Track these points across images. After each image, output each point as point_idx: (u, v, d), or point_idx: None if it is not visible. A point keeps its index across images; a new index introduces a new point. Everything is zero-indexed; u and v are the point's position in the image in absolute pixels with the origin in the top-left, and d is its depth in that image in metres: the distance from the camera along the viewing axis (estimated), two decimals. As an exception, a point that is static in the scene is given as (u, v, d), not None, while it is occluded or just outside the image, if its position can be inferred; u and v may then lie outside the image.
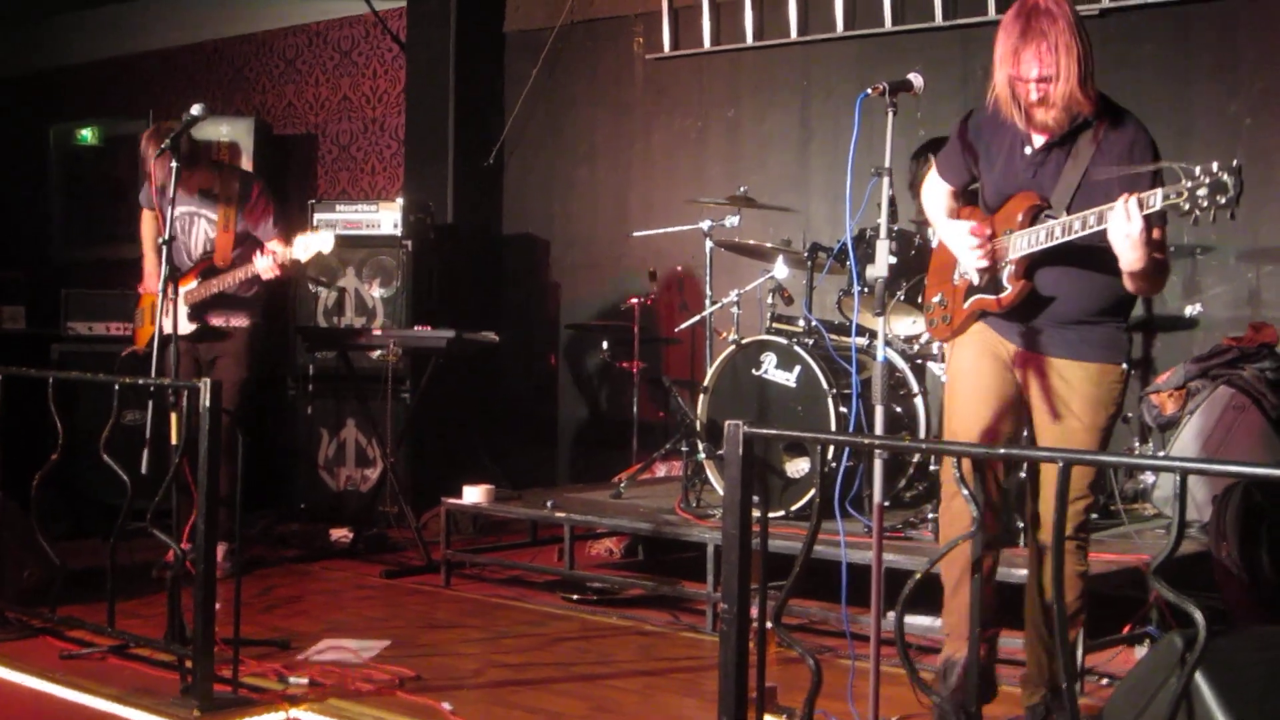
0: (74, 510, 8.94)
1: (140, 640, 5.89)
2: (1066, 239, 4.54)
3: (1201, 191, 4.12)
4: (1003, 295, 4.78)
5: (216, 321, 7.73)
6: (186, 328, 7.53)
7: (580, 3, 10.15)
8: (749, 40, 9.33)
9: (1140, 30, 7.83)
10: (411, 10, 10.86)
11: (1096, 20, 7.89)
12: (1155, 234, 4.50)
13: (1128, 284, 4.64)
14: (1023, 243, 4.69)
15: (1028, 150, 4.85)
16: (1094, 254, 4.54)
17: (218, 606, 5.36)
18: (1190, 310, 7.65)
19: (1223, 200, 4.10)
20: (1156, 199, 4.26)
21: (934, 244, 4.91)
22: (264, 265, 7.51)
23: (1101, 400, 4.79)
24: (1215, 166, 4.12)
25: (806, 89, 9.20)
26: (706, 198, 8.29)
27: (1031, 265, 4.73)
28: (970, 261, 4.82)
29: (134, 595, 6.88)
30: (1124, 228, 4.36)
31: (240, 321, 7.80)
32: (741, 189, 7.85)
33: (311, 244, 7.47)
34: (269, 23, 12.09)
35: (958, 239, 4.87)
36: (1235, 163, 4.13)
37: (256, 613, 6.84)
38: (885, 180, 4.56)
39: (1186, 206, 4.16)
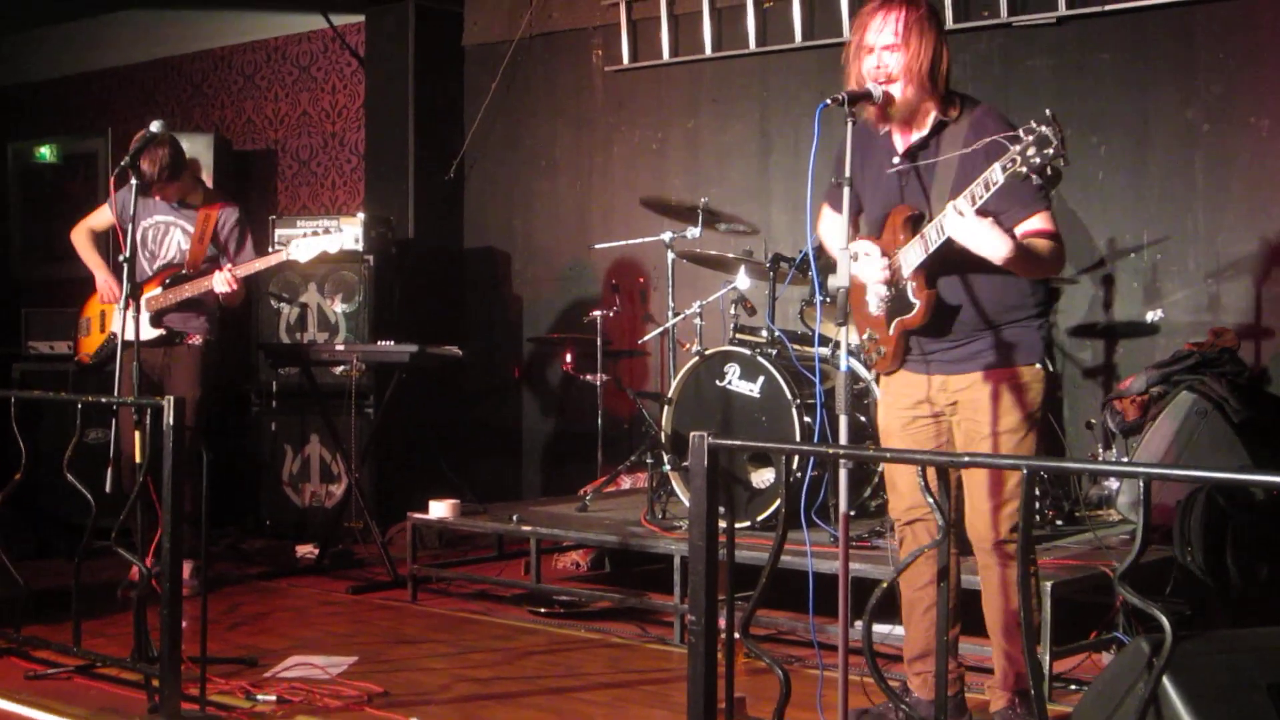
0: (38, 530, 8.90)
1: (106, 659, 5.87)
2: (939, 243, 4.58)
3: (1030, 151, 4.22)
4: (914, 312, 4.81)
5: (176, 325, 7.69)
6: (150, 333, 7.48)
7: (539, 16, 10.16)
8: (708, 51, 9.34)
9: (1097, 38, 7.87)
10: (370, 25, 10.85)
11: (1054, 29, 7.94)
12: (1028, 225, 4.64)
13: (1017, 273, 4.69)
14: (912, 256, 4.73)
15: (895, 159, 4.89)
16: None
17: (184, 624, 5.35)
18: (1151, 316, 7.69)
19: (1051, 151, 4.20)
20: (997, 173, 4.32)
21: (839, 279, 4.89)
22: (220, 280, 7.48)
23: (1016, 403, 4.80)
24: (1034, 123, 4.23)
25: (766, 99, 9.21)
26: (667, 210, 8.29)
27: (930, 275, 4.76)
28: (874, 275, 4.84)
29: (99, 614, 6.85)
30: (960, 226, 4.43)
31: (196, 335, 7.75)
32: (703, 200, 7.85)
33: (313, 245, 7.51)
34: (227, 39, 12.06)
35: (862, 253, 4.87)
36: (1048, 112, 4.22)
37: (223, 630, 6.82)
38: (846, 190, 4.57)
39: (1024, 170, 4.25)
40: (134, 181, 6.51)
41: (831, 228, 5.27)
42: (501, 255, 10.54)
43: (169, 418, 5.29)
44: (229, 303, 7.71)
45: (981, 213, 4.43)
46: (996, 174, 4.33)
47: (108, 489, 6.51)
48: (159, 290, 7.60)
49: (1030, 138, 4.22)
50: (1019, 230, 4.62)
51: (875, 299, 4.90)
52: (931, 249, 4.62)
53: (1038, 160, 4.20)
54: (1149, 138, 7.76)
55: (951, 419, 4.92)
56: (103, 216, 8.00)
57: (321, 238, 7.56)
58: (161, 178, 7.48)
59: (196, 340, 7.76)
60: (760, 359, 7.08)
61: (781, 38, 9.01)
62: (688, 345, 7.61)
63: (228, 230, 7.80)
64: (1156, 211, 7.71)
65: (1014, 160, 4.25)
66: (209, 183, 10.44)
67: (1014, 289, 4.82)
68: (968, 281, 4.80)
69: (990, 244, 4.45)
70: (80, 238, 8.01)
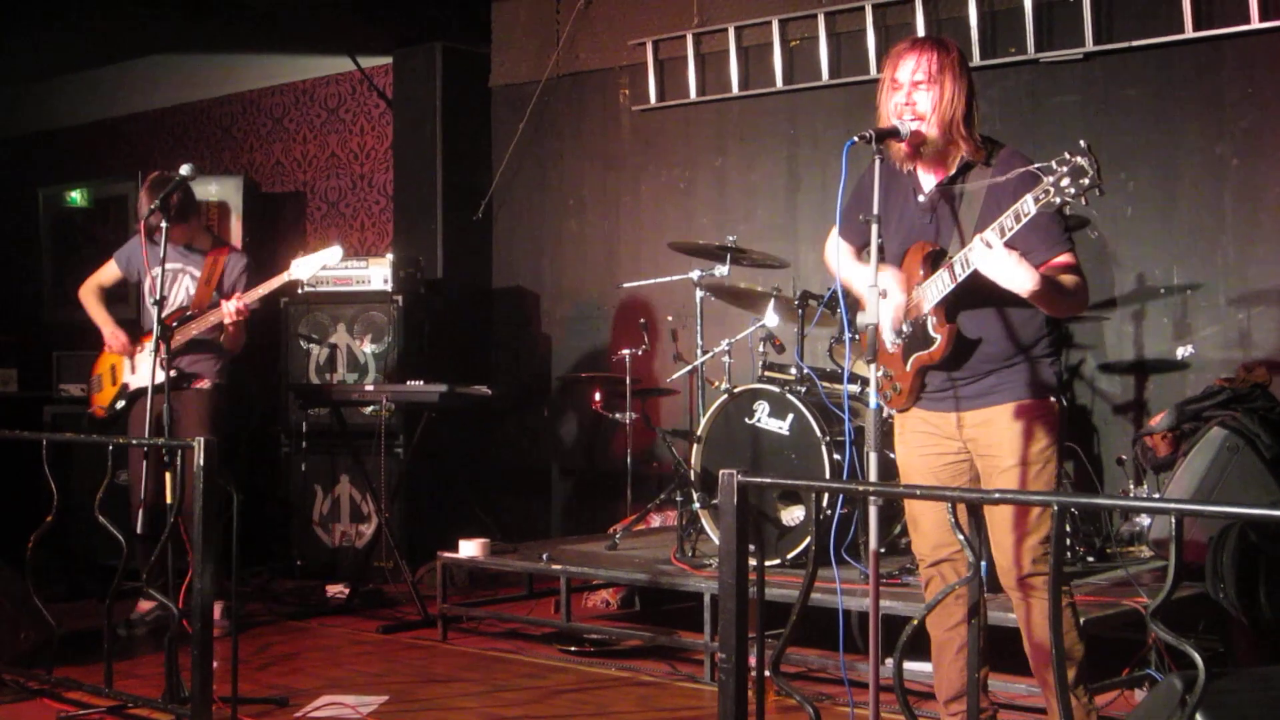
0: (69, 571, 8.92)
1: (138, 700, 5.88)
2: (965, 275, 4.57)
3: (1065, 182, 4.19)
4: (934, 347, 4.79)
5: (184, 367, 7.63)
6: (162, 379, 7.43)
7: (565, 56, 10.19)
8: (735, 90, 9.36)
9: (1124, 74, 7.87)
10: (397, 67, 10.91)
11: (1081, 65, 7.94)
12: (1054, 263, 4.63)
13: (1043, 309, 4.69)
14: (933, 292, 4.72)
15: (920, 198, 4.89)
16: (1007, 291, 4.56)
17: (215, 665, 5.36)
18: (1181, 352, 7.66)
19: (1086, 181, 4.17)
20: (1029, 204, 4.30)
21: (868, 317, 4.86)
22: (230, 307, 7.43)
23: (1032, 436, 4.78)
24: (1068, 154, 4.21)
25: (793, 137, 9.22)
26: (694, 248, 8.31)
27: (951, 310, 4.75)
28: (887, 311, 4.82)
29: (131, 655, 6.87)
30: (988, 258, 4.43)
31: (204, 379, 7.72)
32: (731, 238, 7.85)
33: (312, 262, 7.47)
34: (256, 82, 12.13)
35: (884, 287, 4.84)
36: (1083, 143, 4.21)
37: (254, 670, 6.82)
38: (874, 228, 4.57)
39: (1058, 201, 4.23)
40: (164, 225, 6.55)
41: (836, 253, 5.25)
42: (530, 295, 10.56)
43: (199, 459, 5.31)
44: (230, 345, 7.69)
45: (1010, 246, 4.42)
46: (1029, 205, 4.31)
47: (139, 530, 6.55)
48: None
49: (1064, 168, 4.19)
50: (1043, 269, 4.61)
51: (890, 336, 4.90)
52: (956, 283, 4.61)
53: (1072, 190, 4.18)
54: (1177, 173, 7.75)
55: (975, 454, 4.91)
56: (109, 272, 8.05)
57: (321, 253, 7.51)
58: (168, 219, 7.43)
59: (205, 384, 7.74)
60: (789, 396, 7.08)
61: (809, 76, 9.03)
62: (716, 383, 7.61)
63: (234, 275, 7.78)
64: (1186, 247, 7.70)
65: (1047, 191, 4.23)
66: (239, 225, 10.53)
67: (1029, 326, 4.82)
68: (987, 317, 4.79)
69: (1017, 278, 4.43)
70: (88, 294, 8.04)
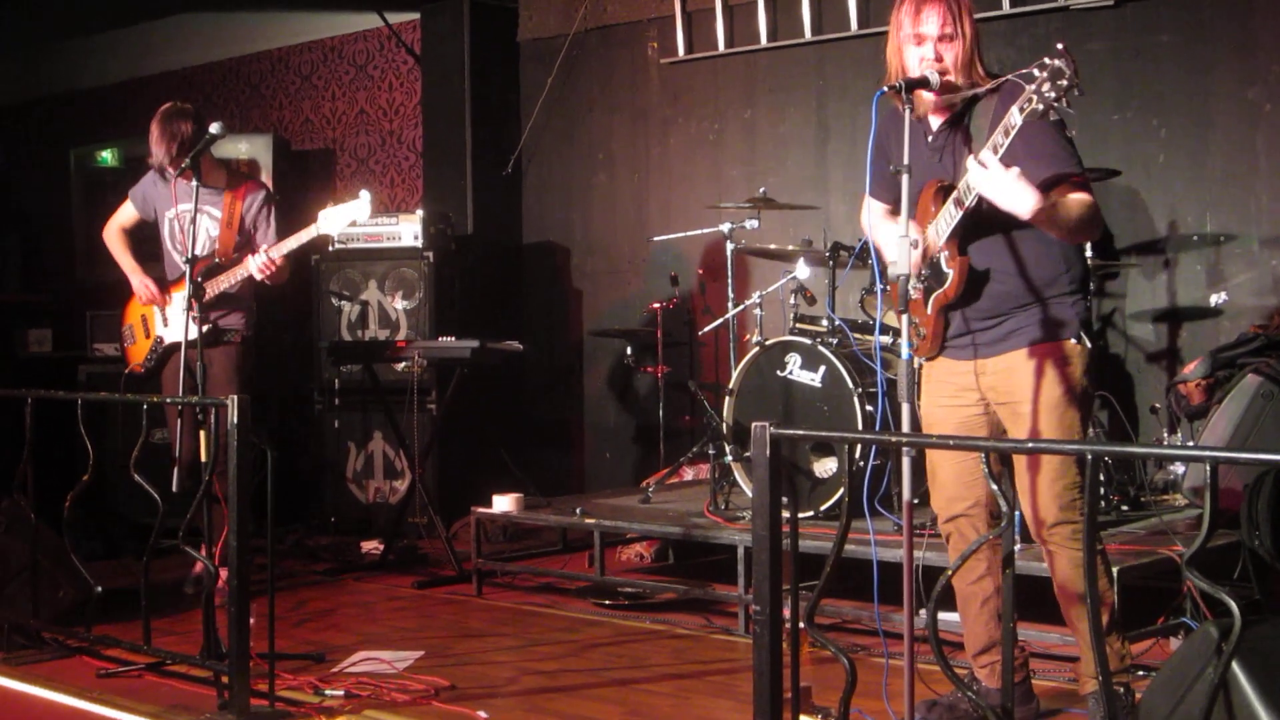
0: (106, 530, 8.96)
1: (176, 657, 5.91)
2: (970, 204, 4.55)
3: (1045, 87, 4.16)
4: (948, 283, 4.77)
5: (217, 322, 7.37)
6: (196, 332, 7.23)
7: (594, 9, 10.16)
8: (763, 41, 9.32)
9: (1156, 20, 7.81)
10: (425, 23, 10.88)
11: (1112, 11, 7.88)
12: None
13: (1051, 233, 4.66)
14: (942, 227, 4.70)
15: (929, 138, 4.87)
16: (1017, 220, 4.54)
17: (252, 621, 5.38)
18: (1215, 299, 7.63)
19: (1064, 83, 4.14)
20: (1015, 116, 4.28)
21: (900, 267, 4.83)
22: (256, 263, 7.22)
23: (1057, 378, 4.75)
24: (1046, 59, 4.18)
25: (822, 88, 9.19)
26: (726, 200, 8.31)
27: (962, 243, 4.74)
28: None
29: (168, 612, 6.91)
30: (984, 178, 4.40)
31: (235, 334, 7.52)
32: (761, 190, 7.84)
33: (341, 215, 7.15)
34: (284, 39, 12.12)
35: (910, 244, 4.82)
36: (1059, 45, 4.17)
37: (290, 627, 6.86)
38: (904, 177, 4.55)
39: (1041, 107, 4.19)
40: (194, 184, 6.53)
41: (871, 218, 5.26)
42: (560, 249, 10.56)
43: (233, 416, 5.32)
44: (274, 281, 7.40)
45: (1008, 164, 4.39)
46: (1015, 117, 4.28)
47: (174, 488, 6.57)
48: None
49: (1043, 73, 4.16)
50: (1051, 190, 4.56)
51: (914, 282, 4.87)
52: (964, 210, 4.59)
53: (1053, 94, 4.14)
54: (1210, 119, 7.70)
55: (995, 403, 4.89)
56: (128, 212, 7.81)
57: (349, 205, 7.16)
58: (183, 153, 7.11)
59: (235, 339, 7.55)
60: (821, 348, 7.07)
61: (837, 26, 8.99)
62: (748, 336, 7.60)
63: (254, 212, 7.53)
64: (1219, 194, 7.65)
65: (1030, 100, 4.20)
66: (269, 182, 10.50)
67: (1049, 261, 4.78)
68: (1000, 249, 4.76)
69: (1015, 196, 4.39)
70: (112, 238, 7.83)
